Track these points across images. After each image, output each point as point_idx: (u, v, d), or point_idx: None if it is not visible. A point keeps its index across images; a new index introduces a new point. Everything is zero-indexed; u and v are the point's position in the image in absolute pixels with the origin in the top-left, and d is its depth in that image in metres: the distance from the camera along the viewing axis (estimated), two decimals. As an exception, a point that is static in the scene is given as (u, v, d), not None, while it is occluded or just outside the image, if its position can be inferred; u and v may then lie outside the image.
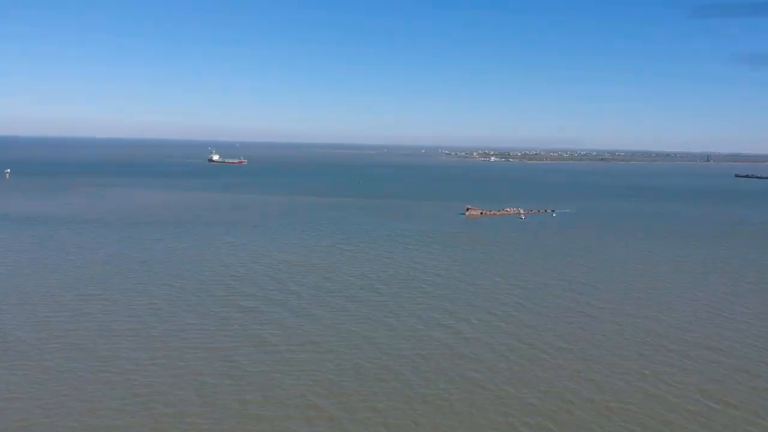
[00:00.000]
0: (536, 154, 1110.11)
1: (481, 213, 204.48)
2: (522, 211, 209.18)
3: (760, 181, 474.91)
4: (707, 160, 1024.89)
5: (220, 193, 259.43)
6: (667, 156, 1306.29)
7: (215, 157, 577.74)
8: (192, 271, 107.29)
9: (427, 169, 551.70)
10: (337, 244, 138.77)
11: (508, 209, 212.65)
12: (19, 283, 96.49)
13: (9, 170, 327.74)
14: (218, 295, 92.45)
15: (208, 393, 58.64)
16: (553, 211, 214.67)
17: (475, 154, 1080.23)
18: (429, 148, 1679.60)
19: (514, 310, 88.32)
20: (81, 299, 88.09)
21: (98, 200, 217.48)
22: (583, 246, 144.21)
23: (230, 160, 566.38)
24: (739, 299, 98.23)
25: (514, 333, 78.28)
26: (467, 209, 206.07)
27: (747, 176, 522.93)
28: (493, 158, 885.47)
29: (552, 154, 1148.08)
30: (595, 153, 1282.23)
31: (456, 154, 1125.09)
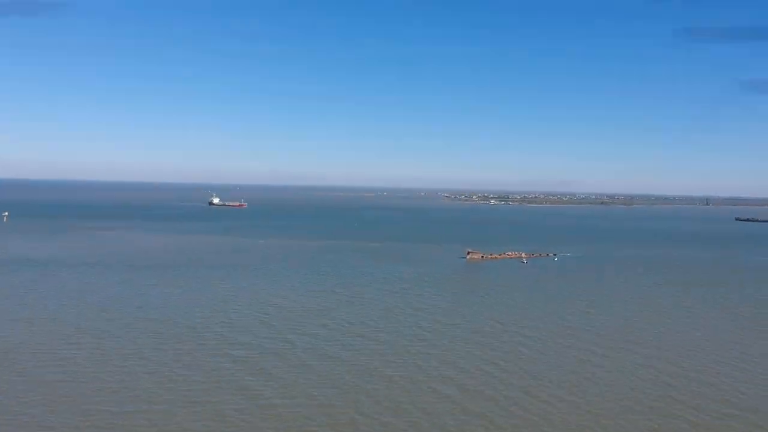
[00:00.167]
0: (536, 197, 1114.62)
1: (482, 257, 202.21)
2: (524, 255, 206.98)
3: (761, 224, 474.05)
4: (707, 204, 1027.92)
5: (221, 237, 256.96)
6: (666, 199, 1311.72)
7: (215, 200, 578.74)
8: (186, 318, 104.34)
9: (426, 212, 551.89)
10: (334, 289, 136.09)
11: (510, 253, 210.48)
12: (7, 330, 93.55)
13: (7, 213, 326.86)
14: (210, 344, 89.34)
15: (195, 451, 55.32)
16: (554, 254, 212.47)
17: (474, 197, 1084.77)
18: (428, 190, 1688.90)
19: (517, 359, 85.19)
20: (71, 348, 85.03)
21: (97, 243, 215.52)
22: (585, 291, 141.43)
23: (231, 203, 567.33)
24: (747, 349, 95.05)
25: (518, 384, 75.02)
26: (468, 253, 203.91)
27: (748, 220, 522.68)
28: (492, 201, 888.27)
29: (551, 197, 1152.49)
30: (594, 196, 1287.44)
31: (456, 196, 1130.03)
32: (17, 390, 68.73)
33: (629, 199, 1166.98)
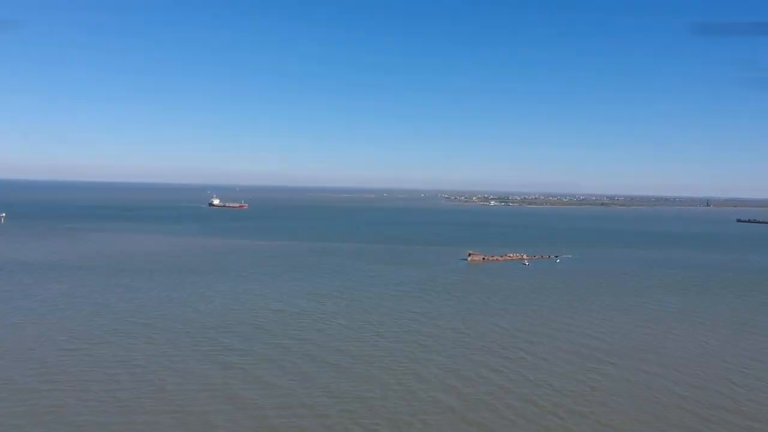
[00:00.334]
0: (536, 198, 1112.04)
1: (484, 258, 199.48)
2: (525, 257, 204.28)
3: (762, 226, 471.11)
4: (707, 205, 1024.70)
5: (220, 238, 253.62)
6: (667, 200, 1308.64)
7: (216, 201, 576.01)
8: (180, 323, 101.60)
9: (426, 213, 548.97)
10: (333, 292, 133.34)
11: (511, 254, 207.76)
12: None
13: (4, 214, 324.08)
14: (203, 350, 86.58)
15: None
16: (556, 256, 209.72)
17: (474, 198, 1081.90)
18: (428, 191, 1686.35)
19: (519, 367, 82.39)
20: (60, 354, 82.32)
21: (93, 246, 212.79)
22: (588, 295, 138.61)
23: (231, 204, 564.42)
24: (757, 355, 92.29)
25: (520, 393, 72.27)
26: (469, 254, 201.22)
27: (749, 221, 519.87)
28: (492, 202, 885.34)
29: (551, 198, 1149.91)
30: (594, 198, 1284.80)
31: (455, 197, 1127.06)
32: (1, 399, 66.01)
33: (629, 201, 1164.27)
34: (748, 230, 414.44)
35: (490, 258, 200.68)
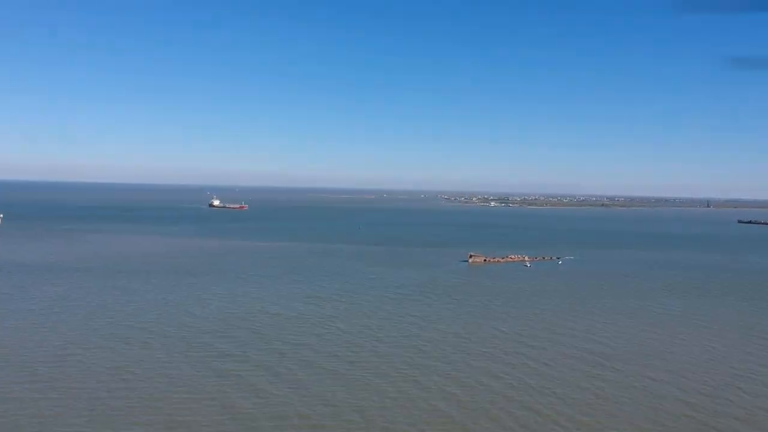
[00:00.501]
0: (536, 199, 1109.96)
1: (485, 260, 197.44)
2: (527, 258, 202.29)
3: (764, 227, 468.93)
4: (708, 206, 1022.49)
5: (219, 240, 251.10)
6: (667, 201, 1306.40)
7: (216, 202, 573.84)
8: (176, 328, 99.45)
9: (426, 214, 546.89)
10: (332, 295, 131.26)
11: (513, 256, 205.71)
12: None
13: (1, 215, 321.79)
14: (198, 356, 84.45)
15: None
16: (558, 258, 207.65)
17: (474, 199, 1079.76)
18: (428, 192, 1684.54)
19: (522, 373, 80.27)
20: (53, 361, 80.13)
21: (90, 247, 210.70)
22: (592, 298, 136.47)
23: (231, 205, 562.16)
24: (764, 360, 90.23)
25: (523, 401, 70.14)
26: (470, 256, 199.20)
27: (750, 222, 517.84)
28: (492, 203, 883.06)
29: (551, 199, 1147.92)
30: (594, 198, 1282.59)
31: (455, 198, 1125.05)
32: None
33: (629, 201, 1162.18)
34: (750, 231, 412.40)
35: (492, 259, 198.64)
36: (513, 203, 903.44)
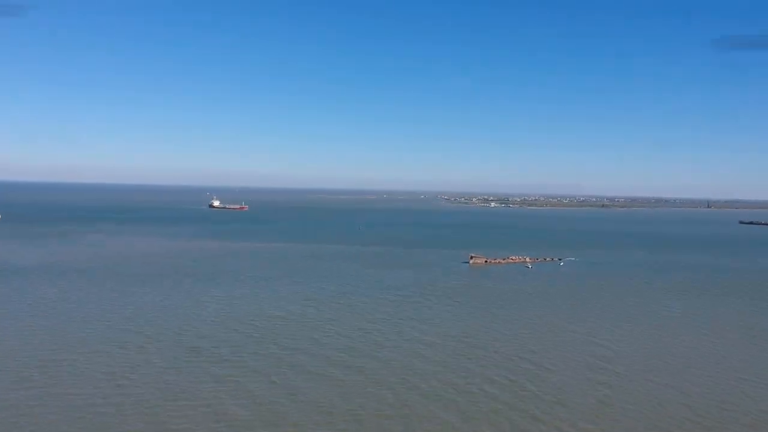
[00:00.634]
0: (536, 200, 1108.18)
1: (486, 261, 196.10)
2: (528, 260, 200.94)
3: (765, 228, 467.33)
4: (708, 206, 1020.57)
5: (218, 241, 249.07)
6: (667, 202, 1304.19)
7: (216, 203, 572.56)
8: (174, 333, 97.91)
9: (427, 215, 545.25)
10: (331, 297, 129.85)
11: (514, 257, 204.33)
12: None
13: (0, 216, 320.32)
14: (194, 361, 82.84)
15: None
16: (560, 259, 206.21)
17: (474, 199, 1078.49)
18: (428, 193, 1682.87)
19: (524, 379, 78.82)
20: (46, 366, 78.72)
21: (88, 249, 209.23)
22: (596, 301, 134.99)
23: (231, 206, 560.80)
24: (766, 363, 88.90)
25: (526, 410, 68.67)
26: (471, 257, 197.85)
27: (751, 223, 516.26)
28: (492, 204, 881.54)
29: (551, 199, 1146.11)
30: (594, 199, 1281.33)
31: (455, 199, 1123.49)
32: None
33: (629, 202, 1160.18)
34: (751, 232, 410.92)
35: (493, 261, 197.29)
36: (513, 204, 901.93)
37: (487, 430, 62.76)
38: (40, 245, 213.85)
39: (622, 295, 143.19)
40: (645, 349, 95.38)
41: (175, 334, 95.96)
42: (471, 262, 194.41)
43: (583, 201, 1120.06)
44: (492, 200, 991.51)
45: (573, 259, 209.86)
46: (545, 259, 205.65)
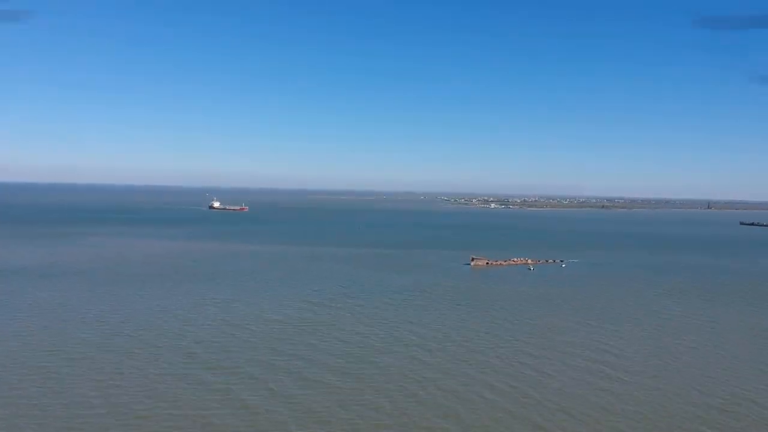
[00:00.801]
0: (536, 201, 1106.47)
1: (487, 263, 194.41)
2: (530, 261, 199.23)
3: (766, 229, 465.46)
4: (709, 207, 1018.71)
5: (217, 243, 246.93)
6: (667, 203, 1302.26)
7: (216, 204, 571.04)
8: (169, 337, 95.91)
9: (427, 216, 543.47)
10: (330, 301, 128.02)
11: (515, 259, 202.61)
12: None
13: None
14: (187, 368, 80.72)
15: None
16: (562, 261, 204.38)
17: (474, 200, 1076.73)
18: (428, 194, 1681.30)
19: (527, 386, 76.91)
20: (35, 372, 76.83)
21: (85, 250, 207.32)
22: (598, 304, 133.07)
23: (231, 207, 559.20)
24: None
25: (528, 417, 66.81)
26: (472, 259, 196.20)
27: (752, 224, 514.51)
28: (493, 205, 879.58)
29: (552, 200, 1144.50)
30: (594, 200, 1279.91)
31: (455, 200, 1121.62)
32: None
33: (630, 203, 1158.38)
34: (753, 233, 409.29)
35: (494, 263, 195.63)
36: (513, 205, 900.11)
37: (488, 440, 61.02)
38: (40, 246, 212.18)
39: (623, 296, 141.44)
40: (649, 354, 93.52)
41: (170, 340, 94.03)
42: (472, 263, 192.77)
43: (583, 202, 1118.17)
44: (492, 201, 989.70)
45: (575, 261, 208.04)
46: (547, 261, 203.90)
